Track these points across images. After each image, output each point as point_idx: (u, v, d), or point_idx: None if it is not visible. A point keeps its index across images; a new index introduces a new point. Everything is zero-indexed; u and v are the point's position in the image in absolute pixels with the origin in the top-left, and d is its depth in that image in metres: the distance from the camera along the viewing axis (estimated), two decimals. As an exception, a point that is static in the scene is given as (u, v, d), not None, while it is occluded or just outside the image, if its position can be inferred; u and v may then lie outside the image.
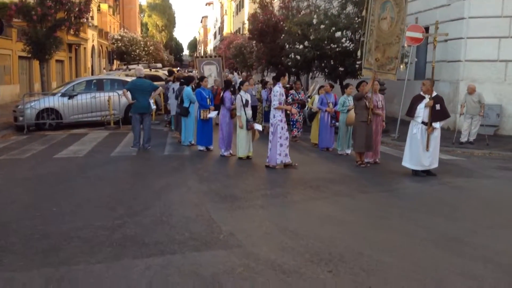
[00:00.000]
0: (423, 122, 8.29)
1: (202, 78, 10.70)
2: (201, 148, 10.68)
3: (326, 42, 15.04)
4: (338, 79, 16.02)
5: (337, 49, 14.87)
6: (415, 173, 8.43)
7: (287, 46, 16.46)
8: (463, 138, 12.29)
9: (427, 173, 8.40)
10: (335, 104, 11.18)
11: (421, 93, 8.52)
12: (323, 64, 15.94)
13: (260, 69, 24.85)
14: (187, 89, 11.05)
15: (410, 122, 8.55)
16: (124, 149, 10.79)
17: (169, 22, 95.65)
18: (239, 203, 6.34)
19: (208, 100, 10.47)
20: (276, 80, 9.05)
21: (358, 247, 4.75)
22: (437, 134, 8.39)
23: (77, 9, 17.23)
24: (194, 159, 9.84)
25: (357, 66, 15.21)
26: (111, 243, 4.83)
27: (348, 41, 14.80)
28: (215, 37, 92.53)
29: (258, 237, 5.06)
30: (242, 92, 9.55)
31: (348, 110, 10.34)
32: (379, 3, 8.91)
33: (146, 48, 43.02)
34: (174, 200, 6.52)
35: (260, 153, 10.15)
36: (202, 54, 20.76)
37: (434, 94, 8.43)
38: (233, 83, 17.04)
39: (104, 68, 41.12)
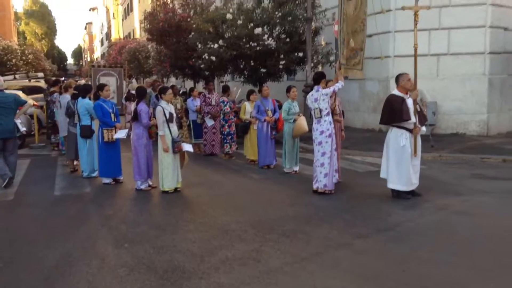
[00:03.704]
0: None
1: (101, 86, 7.92)
2: (106, 181, 7.90)
3: (244, 40, 13.04)
4: (258, 82, 14.13)
5: (258, 48, 12.94)
6: (397, 194, 6.59)
7: (199, 46, 14.09)
8: (404, 141, 10.92)
9: (412, 193, 6.62)
10: (274, 112, 9.13)
11: (395, 92, 6.70)
12: (241, 66, 13.89)
13: (161, 74, 22.06)
14: (86, 102, 8.22)
15: (387, 132, 6.68)
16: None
17: (50, 29, 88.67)
18: (195, 285, 3.88)
19: (112, 115, 7.78)
20: (316, 83, 6.95)
21: None
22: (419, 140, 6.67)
23: None
24: (100, 199, 6.98)
25: (280, 66, 13.48)
26: None
27: (269, 39, 12.92)
28: (102, 44, 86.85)
29: None
30: (163, 103, 7.00)
31: (295, 120, 8.33)
32: None
33: (24, 57, 37.65)
34: (79, 290, 3.86)
35: (190, 181, 7.73)
36: (101, 64, 17.79)
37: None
38: (132, 92, 14.34)
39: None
